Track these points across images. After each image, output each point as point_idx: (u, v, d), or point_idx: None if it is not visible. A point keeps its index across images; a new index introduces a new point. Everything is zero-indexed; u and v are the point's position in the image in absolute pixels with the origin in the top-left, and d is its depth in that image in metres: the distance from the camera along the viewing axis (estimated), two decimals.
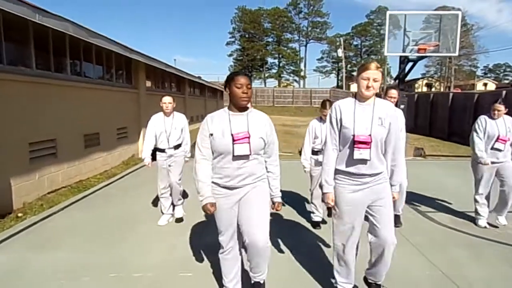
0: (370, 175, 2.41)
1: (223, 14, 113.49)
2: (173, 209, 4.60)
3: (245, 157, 2.33)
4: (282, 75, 62.90)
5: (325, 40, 62.92)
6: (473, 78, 60.51)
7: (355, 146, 2.35)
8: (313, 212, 4.38)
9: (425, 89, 55.88)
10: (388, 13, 8.57)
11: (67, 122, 6.32)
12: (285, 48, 62.45)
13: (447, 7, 58.96)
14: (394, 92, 4.05)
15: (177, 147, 4.37)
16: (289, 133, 20.83)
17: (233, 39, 63.85)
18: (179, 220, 4.54)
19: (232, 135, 2.31)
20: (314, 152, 4.25)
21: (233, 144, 2.30)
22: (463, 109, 14.30)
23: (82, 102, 6.88)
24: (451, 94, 16.84)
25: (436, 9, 60.84)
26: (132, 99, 9.54)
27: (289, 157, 10.50)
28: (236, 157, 2.31)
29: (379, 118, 2.39)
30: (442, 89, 51.52)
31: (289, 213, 4.87)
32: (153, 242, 3.92)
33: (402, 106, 10.69)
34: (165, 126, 4.32)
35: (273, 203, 2.53)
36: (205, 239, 3.86)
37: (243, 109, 2.41)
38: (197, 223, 4.44)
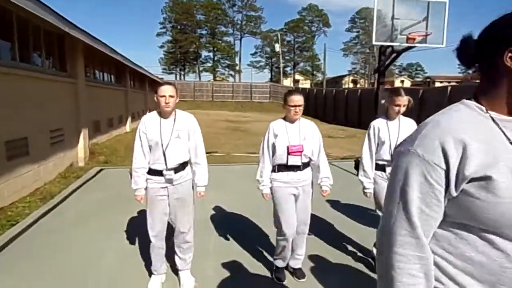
0: None
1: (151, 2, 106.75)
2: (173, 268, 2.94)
3: None
4: (217, 69, 60.97)
5: (259, 34, 62.47)
6: (392, 76, 65.30)
7: None
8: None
9: (351, 85, 58.61)
10: None
11: None
12: (220, 42, 60.57)
13: (369, 8, 62.98)
14: (404, 99, 2.87)
15: (180, 168, 2.75)
16: (238, 130, 19.65)
17: (164, 30, 60.23)
18: None
19: None
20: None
21: None
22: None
23: (1, 94, 4.74)
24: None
25: (359, 11, 64.84)
26: (69, 92, 7.32)
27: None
28: None
29: None
30: (366, 86, 54.48)
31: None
32: None
33: (383, 101, 10.07)
34: (162, 133, 2.67)
35: None
36: None
37: None
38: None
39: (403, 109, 2.86)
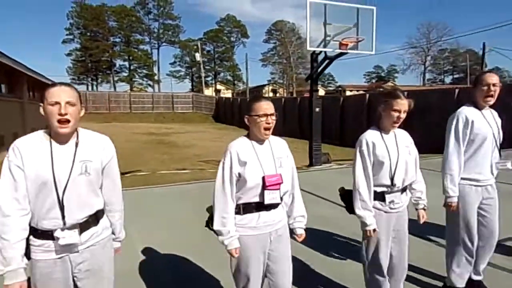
0: None
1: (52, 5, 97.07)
2: None
3: None
4: (134, 79, 57.46)
5: (178, 43, 60.74)
6: (309, 85, 68.57)
7: None
8: None
9: (271, 94, 60.13)
10: (308, 0, 7.39)
11: None
12: (136, 50, 57.30)
13: (284, 21, 65.54)
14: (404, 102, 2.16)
15: (91, 222, 1.69)
16: (162, 143, 18.35)
17: (71, 37, 55.02)
18: None
19: None
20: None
21: None
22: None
23: None
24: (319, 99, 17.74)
25: (275, 23, 67.11)
26: None
27: (188, 176, 8.16)
28: None
29: None
30: (285, 95, 56.29)
31: None
32: None
33: (317, 109, 9.81)
34: (54, 167, 1.57)
35: None
36: None
37: None
38: None
39: (403, 116, 2.13)
